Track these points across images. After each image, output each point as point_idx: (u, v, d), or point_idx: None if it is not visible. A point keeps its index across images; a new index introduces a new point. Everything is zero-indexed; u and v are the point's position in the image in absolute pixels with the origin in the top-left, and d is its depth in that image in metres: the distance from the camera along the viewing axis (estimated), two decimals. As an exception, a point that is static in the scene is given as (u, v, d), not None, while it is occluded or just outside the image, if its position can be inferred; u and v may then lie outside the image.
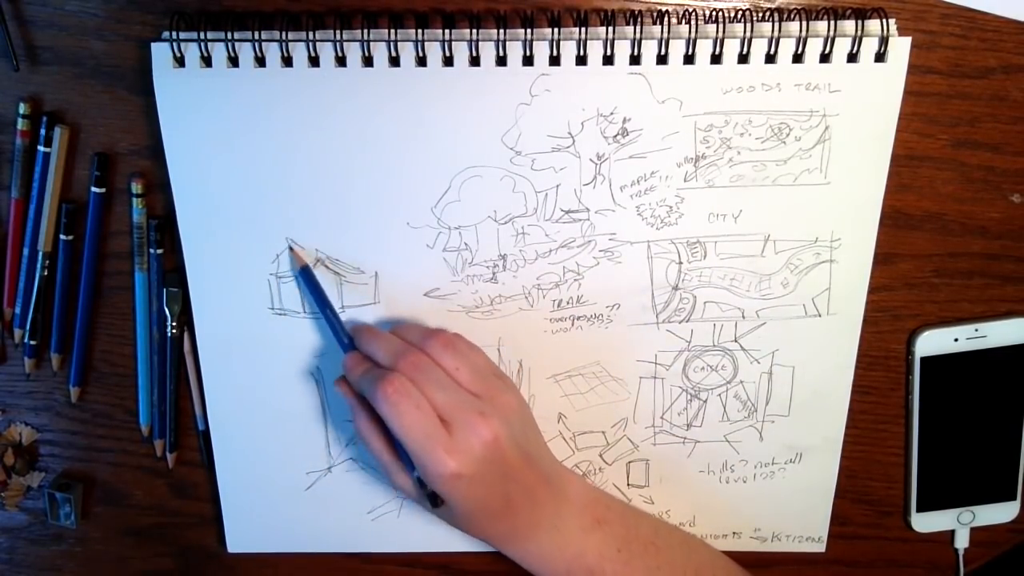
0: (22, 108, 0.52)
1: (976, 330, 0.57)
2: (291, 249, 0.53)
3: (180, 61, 0.50)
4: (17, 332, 0.56)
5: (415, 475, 0.49)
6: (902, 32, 0.50)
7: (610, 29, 0.48)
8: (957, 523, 0.61)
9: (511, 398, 0.50)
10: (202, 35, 0.49)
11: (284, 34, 0.49)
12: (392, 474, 0.50)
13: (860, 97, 0.50)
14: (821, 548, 0.62)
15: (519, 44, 0.49)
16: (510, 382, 0.53)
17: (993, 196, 0.55)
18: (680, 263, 0.54)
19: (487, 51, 0.49)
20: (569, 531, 0.53)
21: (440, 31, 0.49)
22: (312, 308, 0.55)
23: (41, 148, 0.52)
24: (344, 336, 0.53)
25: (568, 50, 0.49)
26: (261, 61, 0.49)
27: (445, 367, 0.49)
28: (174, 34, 0.49)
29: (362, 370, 0.50)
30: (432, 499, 0.49)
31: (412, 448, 0.47)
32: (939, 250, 0.56)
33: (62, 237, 0.54)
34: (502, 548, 0.53)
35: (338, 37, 0.49)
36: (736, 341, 0.56)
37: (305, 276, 0.53)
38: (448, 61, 0.49)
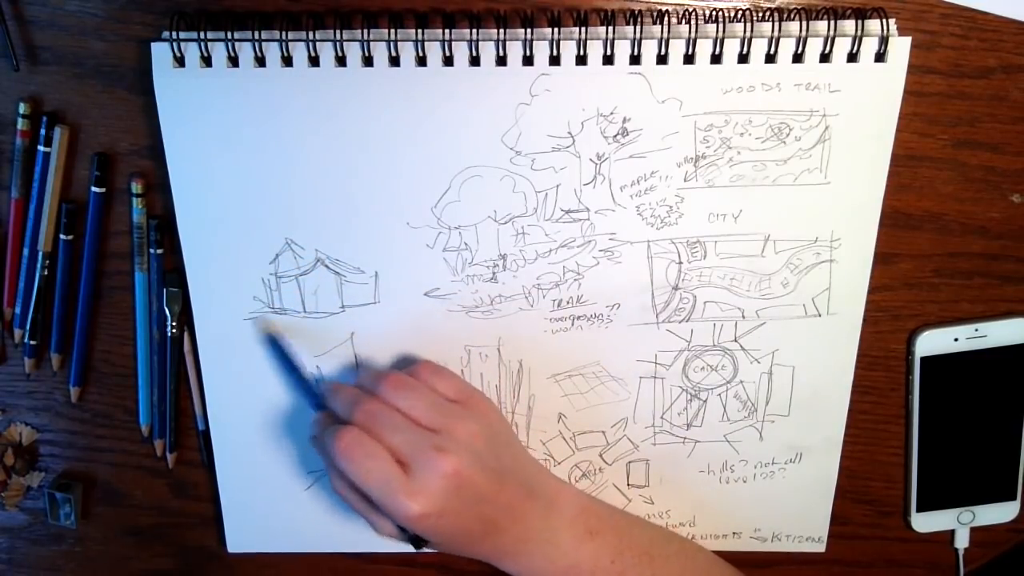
0: (22, 108, 0.52)
1: (976, 330, 0.57)
2: (263, 321, 0.54)
3: (180, 61, 0.50)
4: (17, 332, 0.56)
5: (409, 535, 0.49)
6: (902, 32, 0.50)
7: (610, 29, 0.48)
8: (957, 523, 0.61)
9: (471, 424, 0.49)
10: (202, 35, 0.49)
11: (284, 34, 0.49)
12: (374, 525, 0.50)
13: (860, 97, 0.50)
14: (821, 548, 0.62)
15: (519, 44, 0.49)
16: (476, 402, 0.52)
17: (993, 196, 0.55)
18: (680, 263, 0.54)
19: (487, 51, 0.49)
20: (561, 543, 0.52)
21: (440, 31, 0.49)
22: (314, 309, 0.55)
23: (41, 148, 0.52)
24: (314, 397, 0.53)
25: (568, 50, 0.49)
26: (261, 61, 0.49)
27: (400, 407, 0.49)
28: (174, 34, 0.49)
29: (322, 428, 0.50)
30: (415, 542, 0.49)
31: (375, 497, 0.47)
32: (939, 250, 0.56)
33: (62, 237, 0.54)
34: (497, 565, 0.52)
35: (338, 37, 0.49)
36: (736, 341, 0.56)
37: (272, 343, 0.54)
38: (448, 61, 0.49)
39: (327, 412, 0.52)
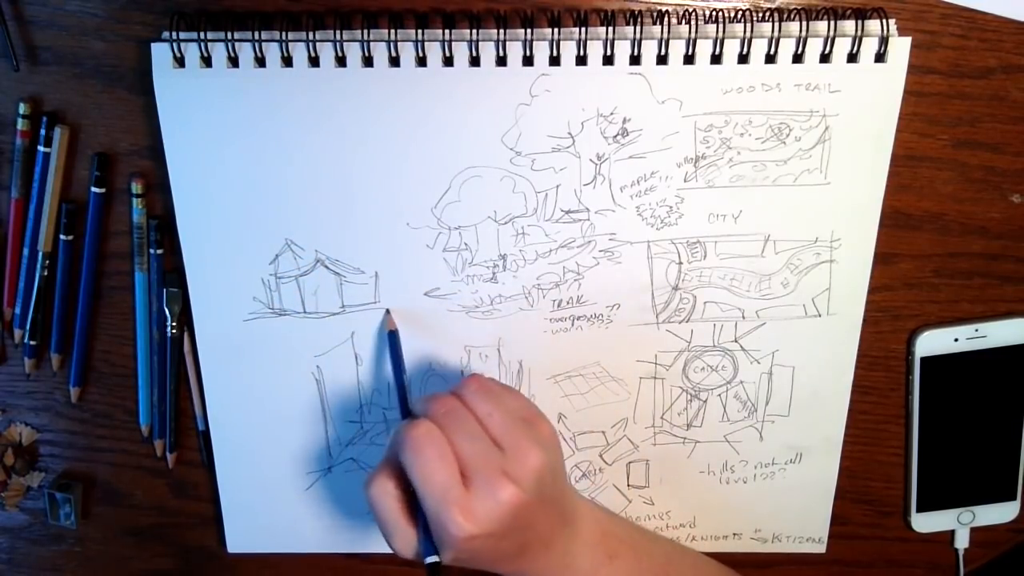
0: (22, 108, 0.52)
1: (976, 330, 0.57)
2: (387, 312, 0.54)
3: (180, 61, 0.50)
4: (17, 332, 0.56)
5: (427, 560, 0.46)
6: (902, 32, 0.50)
7: (610, 29, 0.48)
8: (957, 523, 0.61)
9: (540, 452, 0.46)
10: (202, 35, 0.49)
11: (284, 34, 0.49)
12: (395, 537, 0.47)
13: (860, 97, 0.50)
14: (821, 548, 0.62)
15: (519, 44, 0.49)
16: (545, 428, 0.49)
17: (993, 196, 0.55)
18: (680, 263, 0.54)
19: (487, 51, 0.49)
20: (580, 568, 0.50)
21: (440, 31, 0.49)
22: (314, 310, 0.55)
23: (41, 148, 0.52)
24: (405, 403, 0.51)
25: (568, 50, 0.49)
26: (261, 61, 0.49)
27: (477, 412, 0.47)
28: (174, 34, 0.49)
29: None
30: (431, 571, 0.46)
31: (428, 500, 0.44)
32: (939, 250, 0.56)
33: (62, 237, 0.54)
34: None
35: (338, 37, 0.49)
36: (736, 341, 0.56)
37: (392, 341, 0.53)
38: (448, 61, 0.49)
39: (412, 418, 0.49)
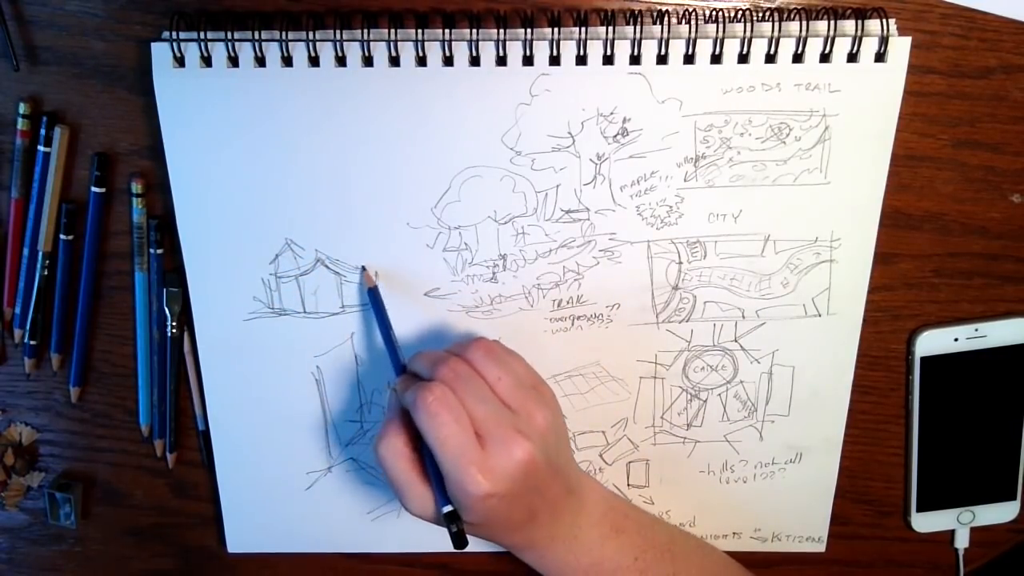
0: (22, 108, 0.52)
1: (976, 330, 0.57)
2: (363, 269, 0.54)
3: (180, 61, 0.50)
4: (17, 332, 0.56)
5: (444, 510, 0.47)
6: (902, 32, 0.50)
7: (610, 29, 0.48)
8: (957, 523, 0.61)
9: (547, 413, 0.48)
10: (202, 35, 0.49)
11: (284, 34, 0.49)
12: (410, 497, 0.48)
13: (860, 97, 0.50)
14: (821, 548, 0.62)
15: (519, 44, 0.49)
16: (547, 392, 0.51)
17: (993, 196, 0.55)
18: (680, 263, 0.54)
19: (487, 51, 0.49)
20: (587, 540, 0.52)
21: (440, 31, 0.49)
22: (314, 309, 0.55)
23: (41, 148, 0.52)
24: (398, 359, 0.52)
25: (568, 50, 0.49)
26: (261, 61, 0.49)
27: (487, 377, 0.48)
28: (174, 34, 0.49)
29: (405, 387, 0.48)
30: (456, 539, 0.47)
31: (445, 462, 0.45)
32: (939, 250, 0.56)
33: (62, 237, 0.54)
34: (521, 555, 0.52)
35: (338, 37, 0.49)
36: (736, 341, 0.56)
37: (372, 297, 0.53)
38: (448, 61, 0.49)
39: (407, 375, 0.50)
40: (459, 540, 0.47)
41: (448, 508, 0.47)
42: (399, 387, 0.49)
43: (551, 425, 0.48)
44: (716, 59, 0.49)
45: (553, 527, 0.51)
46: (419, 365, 0.49)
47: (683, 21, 0.50)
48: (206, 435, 0.58)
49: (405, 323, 0.55)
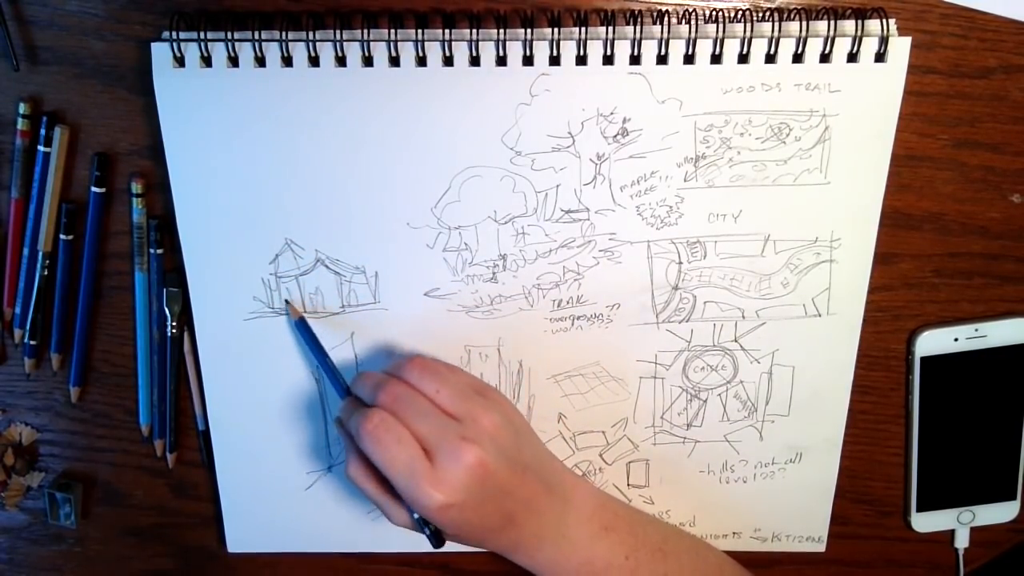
0: (22, 108, 0.52)
1: (976, 330, 0.57)
2: (287, 302, 0.54)
3: (180, 61, 0.50)
4: (17, 332, 0.56)
5: (416, 515, 0.49)
6: (902, 32, 0.50)
7: (610, 29, 0.48)
8: (957, 523, 0.61)
9: (494, 416, 0.49)
10: (202, 35, 0.49)
11: (284, 34, 0.49)
12: (388, 513, 0.50)
13: (860, 97, 0.50)
14: (821, 548, 0.62)
15: (519, 44, 0.49)
16: (495, 396, 0.51)
17: (993, 196, 0.55)
18: (680, 263, 0.54)
19: (487, 51, 0.49)
20: (576, 539, 0.52)
21: (440, 31, 0.49)
22: (314, 309, 0.55)
23: (41, 148, 0.52)
24: (340, 383, 0.53)
25: (568, 50, 0.49)
26: (261, 61, 0.49)
27: (425, 392, 0.48)
28: (174, 34, 0.49)
29: (348, 412, 0.50)
30: (434, 537, 0.49)
31: (397, 483, 0.46)
32: (939, 250, 0.56)
33: (62, 237, 0.54)
34: (510, 557, 0.52)
35: (338, 37, 0.49)
36: (736, 341, 0.56)
37: (301, 328, 0.54)
38: (448, 61, 0.49)
39: (353, 398, 0.51)
40: (436, 539, 0.49)
41: (418, 515, 0.48)
42: (343, 414, 0.51)
43: (500, 425, 0.48)
44: (716, 59, 0.49)
45: (538, 527, 0.51)
46: (361, 390, 0.50)
47: (683, 21, 0.50)
48: (206, 435, 0.58)
49: (405, 323, 0.55)
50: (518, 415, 0.52)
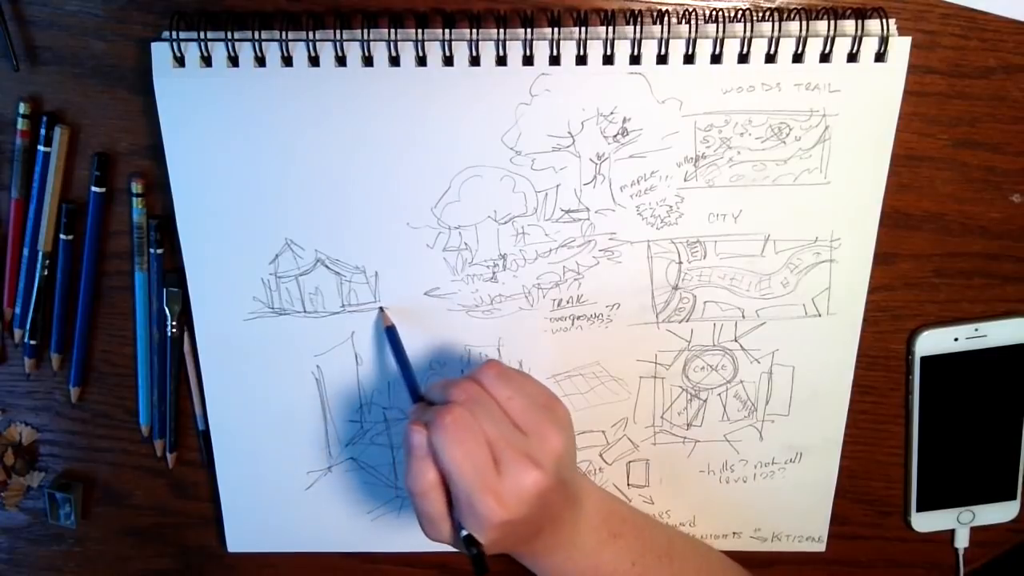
0: (22, 108, 0.52)
1: (976, 330, 0.57)
2: (381, 309, 0.54)
3: (180, 61, 0.50)
4: (17, 332, 0.56)
5: (463, 532, 0.46)
6: (902, 32, 0.50)
7: (610, 29, 0.48)
8: (957, 523, 0.61)
9: (561, 438, 0.47)
10: (202, 35, 0.49)
11: (284, 34, 0.49)
12: (434, 526, 0.47)
13: (860, 97, 0.50)
14: (821, 548, 0.62)
15: (519, 44, 0.49)
16: (562, 411, 0.49)
17: (993, 196, 0.55)
18: (680, 263, 0.54)
19: (487, 51, 0.49)
20: (584, 546, 0.51)
21: (440, 31, 0.49)
22: (314, 309, 0.55)
23: (41, 148, 0.52)
24: (415, 389, 0.52)
25: (568, 50, 0.49)
26: (261, 61, 0.49)
27: (497, 397, 0.47)
28: (174, 34, 0.49)
29: (419, 413, 0.48)
30: (479, 563, 0.46)
31: (461, 483, 0.44)
32: (939, 250, 0.56)
33: (62, 237, 0.54)
34: (519, 560, 0.51)
35: (338, 37, 0.49)
36: (736, 341, 0.56)
37: (390, 335, 0.53)
38: (448, 61, 0.49)
39: (422, 403, 0.49)
40: (480, 566, 0.46)
41: (465, 532, 0.46)
42: (413, 415, 0.48)
43: (564, 448, 0.47)
44: (716, 59, 0.49)
45: (554, 536, 0.50)
46: (433, 392, 0.49)
47: (683, 21, 0.50)
48: (206, 435, 0.58)
49: (405, 323, 0.55)
50: (572, 428, 0.50)
